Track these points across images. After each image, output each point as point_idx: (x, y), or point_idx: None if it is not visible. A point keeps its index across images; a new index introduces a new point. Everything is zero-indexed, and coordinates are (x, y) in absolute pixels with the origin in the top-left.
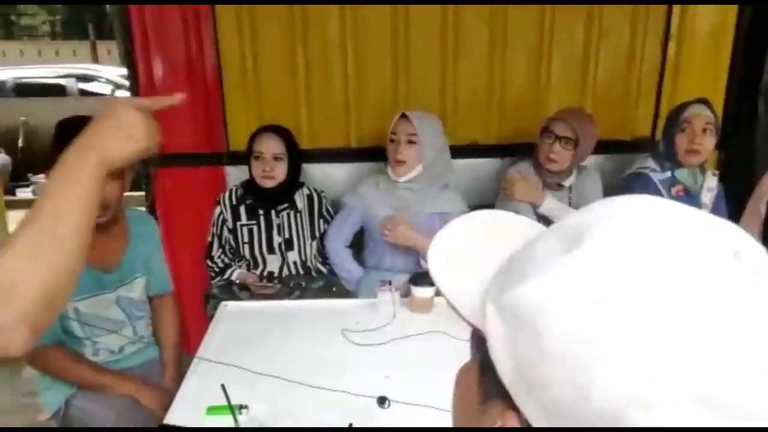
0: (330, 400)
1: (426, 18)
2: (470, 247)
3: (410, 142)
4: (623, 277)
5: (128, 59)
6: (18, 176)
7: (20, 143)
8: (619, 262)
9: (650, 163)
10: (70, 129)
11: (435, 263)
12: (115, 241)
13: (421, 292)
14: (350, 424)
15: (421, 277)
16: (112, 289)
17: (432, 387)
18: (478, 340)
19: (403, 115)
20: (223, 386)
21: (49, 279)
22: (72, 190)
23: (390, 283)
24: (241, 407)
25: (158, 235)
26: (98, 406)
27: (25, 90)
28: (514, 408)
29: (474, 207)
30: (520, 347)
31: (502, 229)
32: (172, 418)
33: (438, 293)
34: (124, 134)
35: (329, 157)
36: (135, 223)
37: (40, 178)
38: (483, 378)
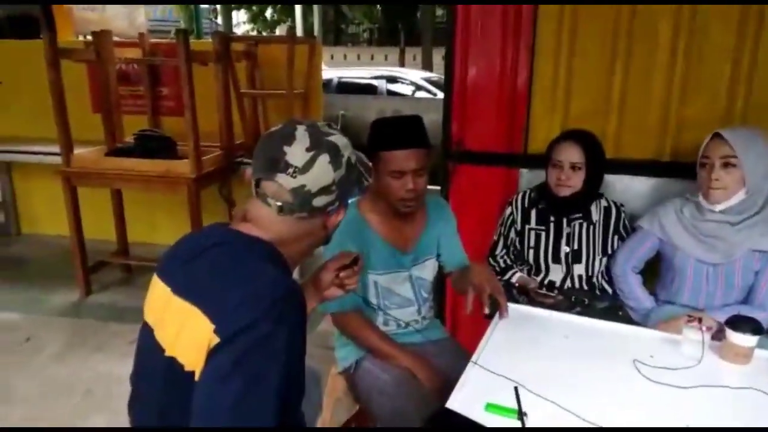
0: None
1: None
2: None
3: (727, 165)
4: None
5: (448, 60)
6: None
7: None
8: None
9: None
10: (380, 127)
11: None
12: (414, 226)
13: (741, 339)
14: None
15: (743, 322)
16: (407, 268)
17: None
18: None
19: (717, 135)
20: (516, 389)
21: None
22: None
23: (700, 320)
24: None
25: (453, 217)
26: (381, 371)
27: (345, 88)
28: None
29: None
30: None
31: None
32: (452, 404)
33: (761, 344)
34: None
35: (634, 169)
36: (432, 208)
37: None
38: None
